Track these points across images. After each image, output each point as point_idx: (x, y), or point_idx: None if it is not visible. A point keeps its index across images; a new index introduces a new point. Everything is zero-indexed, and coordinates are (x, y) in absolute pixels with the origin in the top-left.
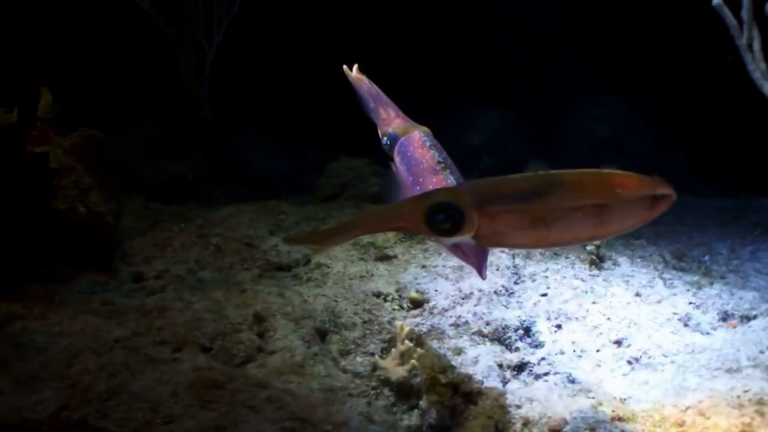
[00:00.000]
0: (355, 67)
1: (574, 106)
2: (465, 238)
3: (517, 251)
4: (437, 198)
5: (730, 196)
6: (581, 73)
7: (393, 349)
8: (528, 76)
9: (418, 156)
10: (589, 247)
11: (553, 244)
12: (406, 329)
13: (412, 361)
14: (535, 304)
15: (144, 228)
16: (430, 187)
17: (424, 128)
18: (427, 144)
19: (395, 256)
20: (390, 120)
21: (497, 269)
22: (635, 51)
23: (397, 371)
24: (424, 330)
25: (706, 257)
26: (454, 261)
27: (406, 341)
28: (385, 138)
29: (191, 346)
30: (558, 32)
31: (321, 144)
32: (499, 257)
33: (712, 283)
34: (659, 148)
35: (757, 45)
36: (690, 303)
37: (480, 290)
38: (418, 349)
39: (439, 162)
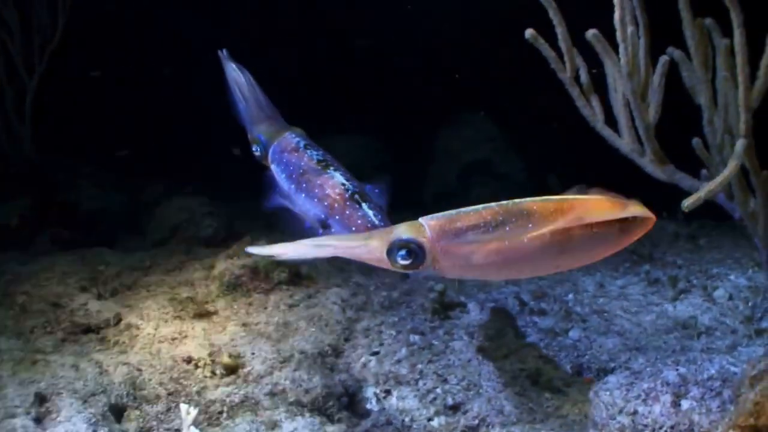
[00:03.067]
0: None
1: (441, 129)
2: (427, 270)
3: (351, 302)
4: (399, 234)
5: None
6: (449, 95)
7: None
8: (392, 99)
9: (295, 160)
10: (432, 294)
11: (515, 275)
12: (193, 414)
13: None
14: (364, 365)
15: None
16: (317, 190)
17: (296, 129)
18: (302, 145)
19: (215, 312)
20: (259, 123)
21: (326, 325)
22: (503, 70)
23: None
24: (236, 401)
25: (570, 296)
26: (278, 317)
27: (192, 428)
28: (255, 146)
29: None
30: (423, 51)
31: (170, 176)
32: (330, 310)
33: (569, 330)
34: (534, 170)
35: (584, 76)
36: (541, 356)
37: (302, 352)
38: None
39: (319, 161)
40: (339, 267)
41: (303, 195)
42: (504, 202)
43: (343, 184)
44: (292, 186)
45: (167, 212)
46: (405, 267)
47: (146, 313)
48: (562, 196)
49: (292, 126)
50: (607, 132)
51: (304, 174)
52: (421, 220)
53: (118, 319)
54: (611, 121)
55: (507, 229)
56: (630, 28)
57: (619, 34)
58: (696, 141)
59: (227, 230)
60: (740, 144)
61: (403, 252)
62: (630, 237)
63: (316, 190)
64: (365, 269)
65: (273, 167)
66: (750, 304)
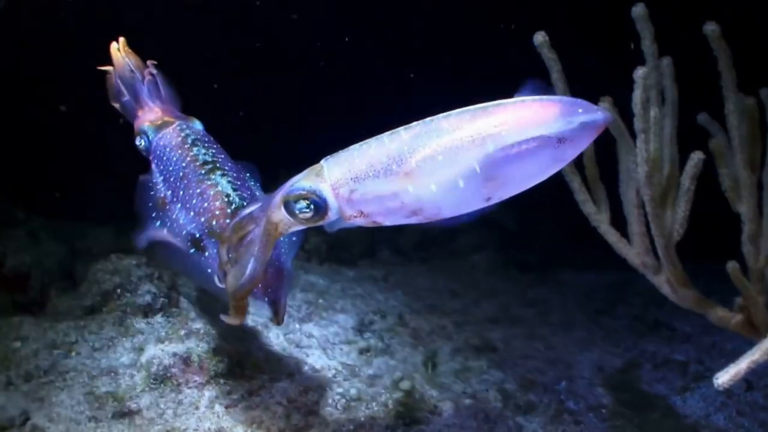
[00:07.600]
0: (122, 41)
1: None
2: (338, 222)
3: (299, 402)
4: (292, 183)
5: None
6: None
7: None
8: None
9: (177, 157)
10: (396, 394)
11: (432, 217)
12: None
13: None
14: None
15: None
16: (195, 201)
17: (192, 119)
18: (190, 139)
19: (138, 412)
20: (147, 112)
21: None
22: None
23: None
24: None
25: (563, 384)
26: (210, 421)
27: None
28: (139, 137)
29: None
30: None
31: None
32: (273, 413)
33: None
34: (527, 215)
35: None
36: None
37: None
38: None
39: (205, 162)
40: (295, 342)
41: (179, 205)
42: (413, 123)
43: (228, 195)
44: (168, 192)
45: (100, 275)
46: (306, 221)
47: (57, 412)
48: (484, 104)
49: (190, 116)
50: (612, 237)
51: (183, 178)
52: (323, 161)
53: (25, 419)
54: (619, 219)
55: (418, 158)
56: (654, 111)
57: (638, 123)
58: (732, 265)
59: (168, 296)
60: None
61: (301, 204)
62: (574, 147)
63: (194, 201)
64: (326, 342)
65: (153, 164)
66: None
